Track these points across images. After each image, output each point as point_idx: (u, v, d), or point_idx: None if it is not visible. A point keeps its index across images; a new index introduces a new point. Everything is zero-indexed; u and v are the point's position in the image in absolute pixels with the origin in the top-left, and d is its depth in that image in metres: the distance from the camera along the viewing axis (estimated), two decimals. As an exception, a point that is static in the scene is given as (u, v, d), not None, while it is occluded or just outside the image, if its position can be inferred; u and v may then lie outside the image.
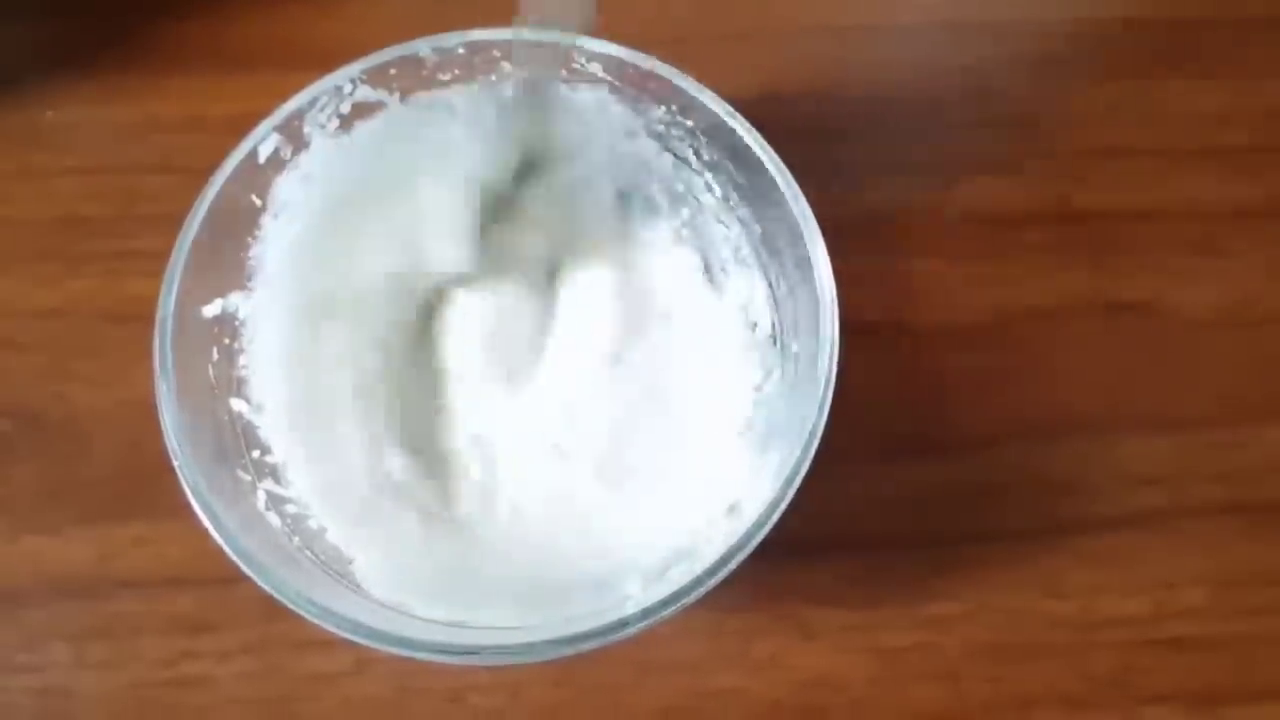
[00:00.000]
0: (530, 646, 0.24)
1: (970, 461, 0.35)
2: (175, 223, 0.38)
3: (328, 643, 0.32)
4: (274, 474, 0.29)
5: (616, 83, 0.31)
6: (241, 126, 0.40)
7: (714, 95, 0.30)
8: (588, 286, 0.34)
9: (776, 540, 0.25)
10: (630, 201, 0.34)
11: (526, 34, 0.30)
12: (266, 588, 0.25)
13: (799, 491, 0.25)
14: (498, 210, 0.33)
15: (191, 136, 0.39)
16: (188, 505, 0.33)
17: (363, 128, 0.31)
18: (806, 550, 0.33)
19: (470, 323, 0.33)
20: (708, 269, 0.34)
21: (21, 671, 0.31)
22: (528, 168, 0.33)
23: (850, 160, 0.39)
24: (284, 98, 0.40)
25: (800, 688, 0.32)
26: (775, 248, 0.31)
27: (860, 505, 0.34)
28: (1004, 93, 0.41)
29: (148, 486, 0.33)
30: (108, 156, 0.39)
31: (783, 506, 0.25)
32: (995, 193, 0.39)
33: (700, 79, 0.30)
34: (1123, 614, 0.33)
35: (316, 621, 0.25)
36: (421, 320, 0.33)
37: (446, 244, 0.32)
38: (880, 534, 0.34)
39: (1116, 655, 0.33)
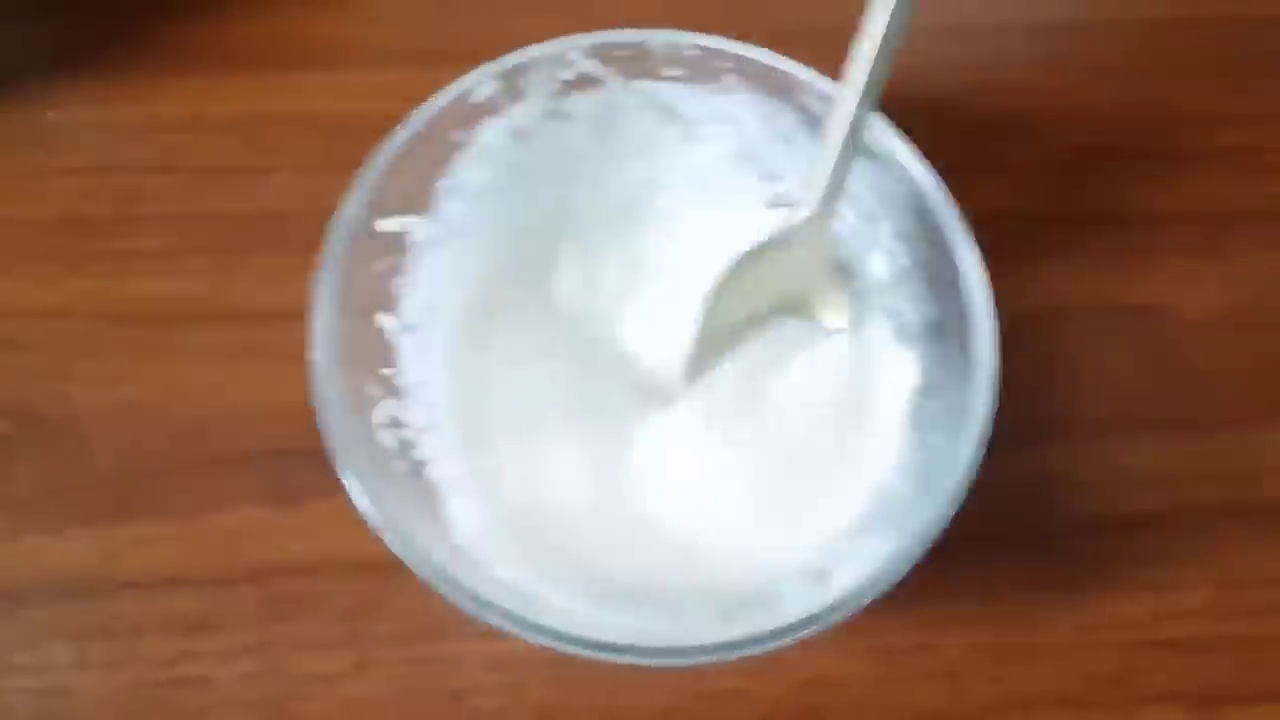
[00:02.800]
0: (615, 647, 0.24)
1: (970, 461, 0.35)
2: (176, 222, 0.38)
3: (328, 644, 0.32)
4: (399, 395, 0.30)
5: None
6: (242, 126, 0.40)
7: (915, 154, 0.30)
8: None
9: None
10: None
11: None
12: (356, 493, 0.25)
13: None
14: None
15: (192, 136, 0.39)
16: (189, 506, 0.33)
17: (579, 100, 0.32)
18: (807, 550, 0.33)
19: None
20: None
21: (21, 672, 0.31)
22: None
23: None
24: (284, 97, 0.40)
25: (800, 688, 0.32)
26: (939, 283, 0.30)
27: (860, 505, 0.34)
28: (1004, 93, 0.41)
29: (148, 486, 0.34)
30: (108, 156, 0.39)
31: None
32: (995, 193, 0.39)
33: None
34: (1122, 614, 0.33)
35: (391, 546, 0.25)
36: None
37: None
38: (880, 534, 0.34)
39: (1116, 656, 0.33)
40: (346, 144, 0.39)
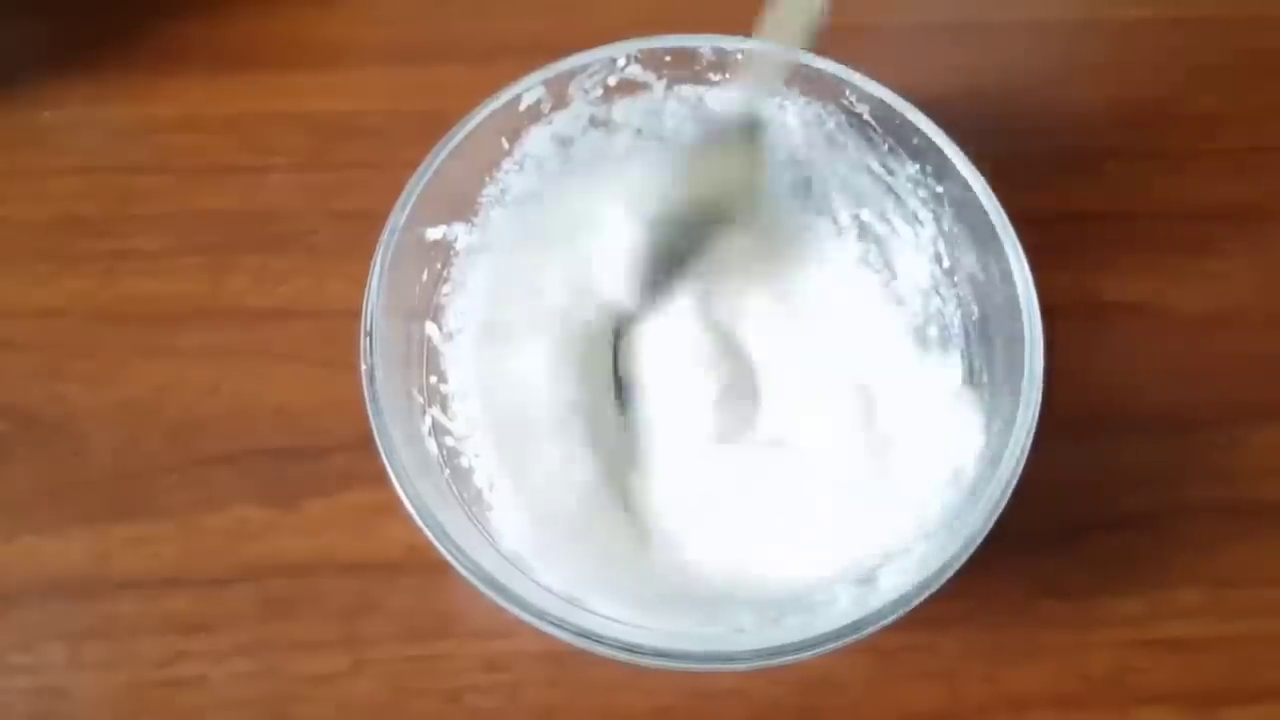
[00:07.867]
0: (634, 647, 0.24)
1: (967, 461, 0.35)
2: (171, 222, 0.38)
3: (324, 644, 0.32)
4: (443, 403, 0.30)
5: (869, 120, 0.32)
6: (239, 126, 0.40)
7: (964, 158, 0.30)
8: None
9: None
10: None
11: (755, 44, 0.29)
12: (410, 506, 0.25)
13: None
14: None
15: (188, 136, 0.39)
16: (184, 506, 0.33)
17: (621, 106, 0.32)
18: (803, 550, 0.33)
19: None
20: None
21: (17, 672, 0.31)
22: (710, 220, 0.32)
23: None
24: (279, 97, 0.40)
25: (798, 688, 0.32)
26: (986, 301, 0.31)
27: (857, 505, 0.34)
28: (1004, 93, 0.41)
29: (144, 486, 0.34)
30: (104, 156, 0.39)
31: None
32: (994, 192, 0.39)
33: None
34: (1119, 614, 0.33)
35: (443, 553, 0.25)
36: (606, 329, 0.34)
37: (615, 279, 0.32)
38: (877, 534, 0.34)
39: (1113, 655, 0.33)
40: (341, 143, 0.40)
